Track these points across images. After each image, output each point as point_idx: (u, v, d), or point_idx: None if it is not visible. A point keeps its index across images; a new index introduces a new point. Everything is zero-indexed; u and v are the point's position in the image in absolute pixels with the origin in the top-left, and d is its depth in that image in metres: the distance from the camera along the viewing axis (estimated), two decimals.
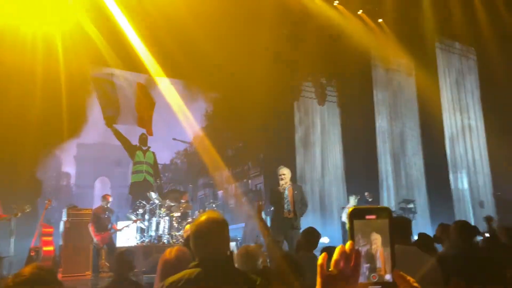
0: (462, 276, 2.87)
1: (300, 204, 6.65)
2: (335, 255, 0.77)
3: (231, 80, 10.99)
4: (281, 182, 6.66)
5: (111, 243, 7.96)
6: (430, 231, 7.23)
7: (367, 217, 0.79)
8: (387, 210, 0.80)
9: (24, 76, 8.24)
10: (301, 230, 6.59)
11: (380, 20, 12.22)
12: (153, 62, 10.34)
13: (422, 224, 11.07)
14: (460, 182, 12.43)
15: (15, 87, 8.13)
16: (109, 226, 8.11)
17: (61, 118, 9.09)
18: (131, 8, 9.52)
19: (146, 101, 11.23)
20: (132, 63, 10.22)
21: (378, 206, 0.80)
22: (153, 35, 9.70)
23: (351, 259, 0.76)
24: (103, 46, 9.49)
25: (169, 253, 2.29)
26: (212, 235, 1.86)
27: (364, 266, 0.77)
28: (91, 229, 7.82)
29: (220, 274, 1.81)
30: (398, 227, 2.81)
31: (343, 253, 0.77)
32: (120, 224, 8.64)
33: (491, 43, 11.55)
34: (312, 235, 3.84)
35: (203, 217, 1.93)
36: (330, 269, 0.77)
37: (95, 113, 10.46)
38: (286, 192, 6.61)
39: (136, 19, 9.62)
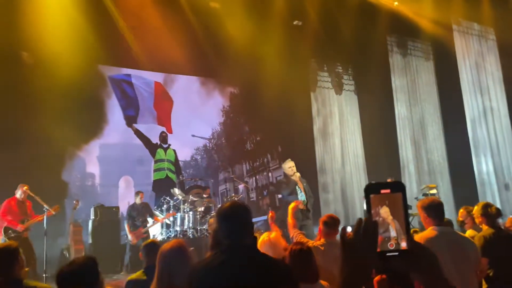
0: (486, 256, 2.89)
1: (308, 196, 6.77)
2: (355, 227, 0.84)
3: (247, 74, 11.04)
4: (295, 174, 6.78)
5: (146, 239, 8.10)
6: (454, 216, 7.17)
7: (382, 191, 0.85)
8: (400, 184, 0.86)
9: (47, 79, 8.45)
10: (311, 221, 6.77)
11: (396, 3, 12.01)
12: (170, 60, 10.46)
13: (446, 210, 10.91)
14: (484, 165, 12.21)
15: (36, 90, 8.36)
16: (148, 219, 8.28)
17: (83, 120, 9.32)
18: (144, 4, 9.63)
19: (164, 99, 11.40)
20: (148, 62, 10.37)
21: (392, 181, 0.87)
22: (168, 32, 9.80)
23: (369, 230, 0.82)
24: (120, 46, 9.66)
25: (165, 246, 2.51)
26: (236, 218, 1.95)
27: (382, 236, 0.83)
28: (126, 227, 8.07)
29: (247, 260, 1.87)
30: (432, 210, 2.88)
31: (361, 225, 0.83)
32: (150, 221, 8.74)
33: (510, 23, 11.27)
34: (332, 221, 3.88)
35: (226, 204, 2.08)
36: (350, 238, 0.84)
37: (116, 114, 10.70)
38: (297, 183, 6.73)
39: (147, 16, 9.73)
